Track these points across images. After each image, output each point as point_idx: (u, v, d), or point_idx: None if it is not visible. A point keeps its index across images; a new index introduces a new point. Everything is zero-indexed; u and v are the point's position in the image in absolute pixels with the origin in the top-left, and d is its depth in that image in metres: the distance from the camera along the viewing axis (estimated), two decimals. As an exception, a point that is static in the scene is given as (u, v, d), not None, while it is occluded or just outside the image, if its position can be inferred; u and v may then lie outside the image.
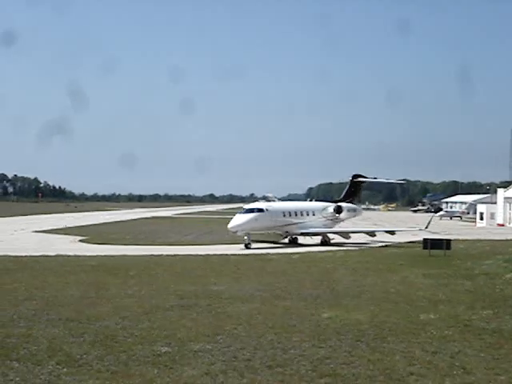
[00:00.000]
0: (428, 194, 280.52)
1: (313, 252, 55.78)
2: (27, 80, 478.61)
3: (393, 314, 25.23)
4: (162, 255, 50.28)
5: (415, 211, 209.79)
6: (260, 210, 63.08)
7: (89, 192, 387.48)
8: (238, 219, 61.44)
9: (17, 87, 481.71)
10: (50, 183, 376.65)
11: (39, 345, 19.79)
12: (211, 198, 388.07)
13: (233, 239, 65.66)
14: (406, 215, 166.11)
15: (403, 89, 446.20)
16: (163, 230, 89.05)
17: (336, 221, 74.93)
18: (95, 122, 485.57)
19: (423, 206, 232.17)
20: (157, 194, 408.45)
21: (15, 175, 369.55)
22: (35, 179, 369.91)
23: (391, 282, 35.20)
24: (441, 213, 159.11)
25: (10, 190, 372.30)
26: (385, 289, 32.33)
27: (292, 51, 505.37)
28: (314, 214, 71.31)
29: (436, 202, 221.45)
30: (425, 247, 51.75)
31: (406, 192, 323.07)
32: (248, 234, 60.28)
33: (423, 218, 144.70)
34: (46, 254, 50.14)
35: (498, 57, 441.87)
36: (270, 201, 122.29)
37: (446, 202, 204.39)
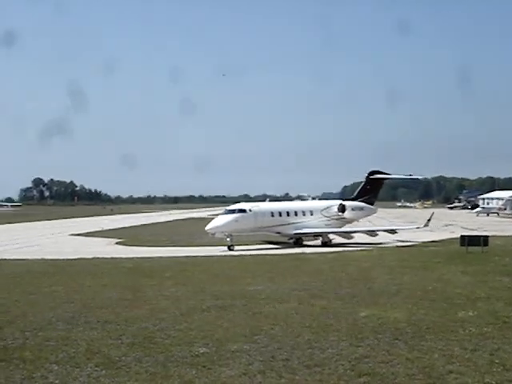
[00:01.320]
0: (464, 191, 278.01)
1: (348, 251, 55.58)
2: (27, 80, 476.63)
3: (431, 312, 25.05)
4: (197, 256, 50.41)
5: (451, 208, 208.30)
6: (242, 211, 60.98)
7: (124, 194, 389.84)
8: (218, 221, 59.94)
9: (17, 88, 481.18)
10: (86, 186, 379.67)
11: (78, 347, 19.90)
12: (246, 199, 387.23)
13: (268, 240, 65.79)
14: (442, 212, 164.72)
15: (418, 87, 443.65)
16: (199, 231, 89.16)
17: (342, 221, 71.00)
18: (103, 123, 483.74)
19: (459, 202, 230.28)
20: (192, 196, 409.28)
21: (51, 179, 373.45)
22: (71, 183, 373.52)
23: (428, 279, 34.93)
24: (477, 209, 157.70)
25: (47, 193, 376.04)
26: (422, 287, 32.08)
27: (292, 51, 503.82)
28: (311, 214, 68.03)
29: (472, 199, 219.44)
30: (462, 244, 51.36)
31: (442, 189, 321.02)
32: (231, 236, 58.58)
33: (459, 214, 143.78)
34: (83, 256, 50.55)
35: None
36: (304, 200, 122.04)
37: (483, 199, 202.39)
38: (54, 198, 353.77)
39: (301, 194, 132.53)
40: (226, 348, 19.53)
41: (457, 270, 38.63)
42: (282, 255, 51.86)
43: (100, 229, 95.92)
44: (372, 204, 75.82)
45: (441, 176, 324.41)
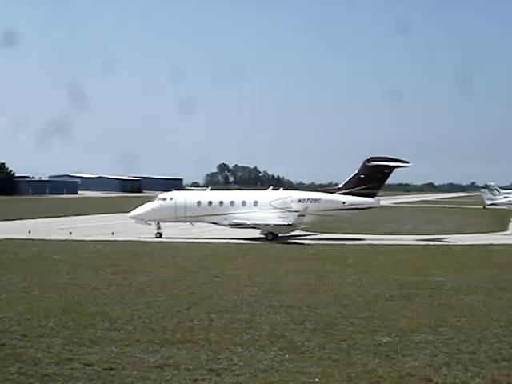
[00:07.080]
0: None
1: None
2: (28, 79, 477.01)
3: None
4: (379, 245, 49.98)
5: None
6: (162, 199, 58.87)
7: (306, 181, 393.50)
8: (140, 208, 58.99)
9: (19, 87, 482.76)
10: (269, 172, 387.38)
11: (261, 331, 20.20)
12: (430, 187, 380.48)
13: (456, 229, 64.17)
14: None
15: None
16: (381, 219, 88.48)
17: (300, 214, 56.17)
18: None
19: None
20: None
21: (236, 165, 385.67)
22: (254, 168, 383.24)
23: None
24: None
25: (231, 179, 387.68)
26: None
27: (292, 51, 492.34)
28: (255, 205, 59.66)
29: None
30: None
31: None
32: (158, 224, 57.55)
33: None
34: (265, 242, 51.28)
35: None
36: (492, 190, 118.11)
37: None
38: (238, 182, 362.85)
39: (488, 184, 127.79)
40: (410, 338, 19.25)
41: None
42: (467, 246, 50.46)
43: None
44: (372, 196, 62.59)
45: None
